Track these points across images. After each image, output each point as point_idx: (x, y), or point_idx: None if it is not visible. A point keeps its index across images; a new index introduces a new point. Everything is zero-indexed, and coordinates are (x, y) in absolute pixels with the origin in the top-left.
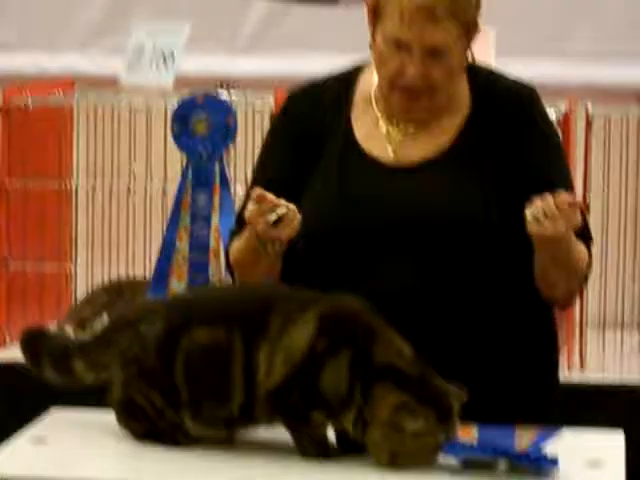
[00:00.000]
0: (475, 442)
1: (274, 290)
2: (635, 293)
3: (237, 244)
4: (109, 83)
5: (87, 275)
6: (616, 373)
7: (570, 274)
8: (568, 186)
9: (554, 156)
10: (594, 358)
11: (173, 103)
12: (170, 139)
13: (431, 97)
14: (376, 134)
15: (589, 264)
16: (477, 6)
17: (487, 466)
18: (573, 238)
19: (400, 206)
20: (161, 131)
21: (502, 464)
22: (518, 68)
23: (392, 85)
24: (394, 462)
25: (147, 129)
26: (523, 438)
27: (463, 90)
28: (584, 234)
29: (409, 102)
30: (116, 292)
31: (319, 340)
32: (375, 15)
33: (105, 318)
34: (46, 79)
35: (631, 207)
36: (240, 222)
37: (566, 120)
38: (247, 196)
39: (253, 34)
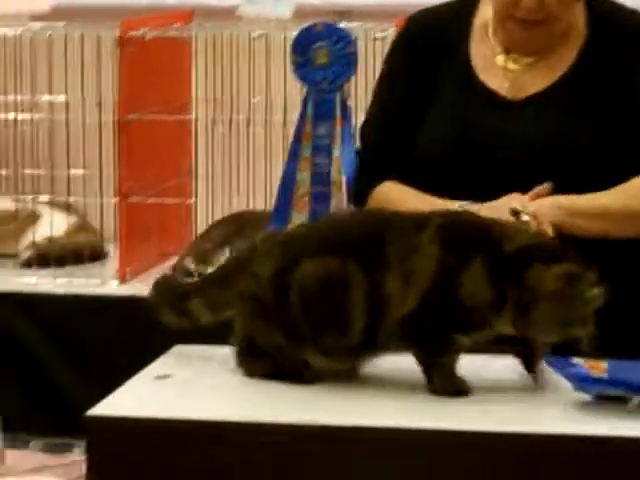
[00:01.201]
0: (606, 377)
1: (384, 216)
2: None
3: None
4: (228, 14)
5: (207, 208)
6: None
7: None
8: None
9: None
10: None
11: (292, 33)
12: (290, 70)
13: (548, 27)
14: (493, 65)
15: None
16: None
17: (619, 401)
18: None
19: (512, 139)
20: (281, 62)
21: (635, 399)
22: None
23: (507, 15)
24: (566, 333)
25: (266, 60)
26: None
27: (581, 20)
28: None
29: (525, 32)
30: (237, 225)
31: (446, 256)
32: None
33: (227, 251)
34: (164, 10)
35: None
36: (368, 151)
37: None
38: (368, 121)
39: None
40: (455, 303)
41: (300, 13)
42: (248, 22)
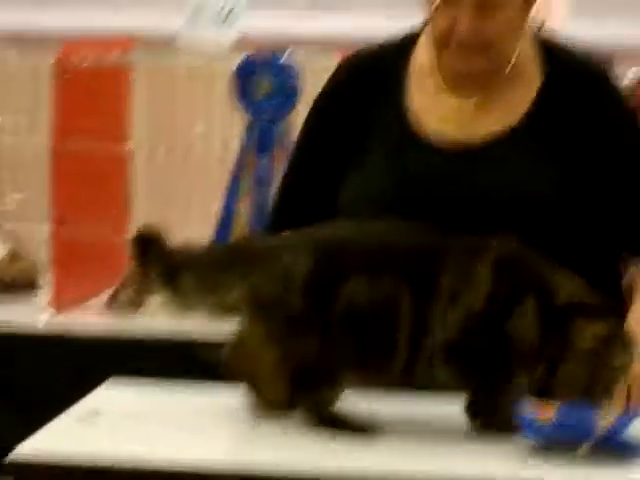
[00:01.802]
0: (554, 422)
1: (439, 237)
2: None
3: None
4: (168, 43)
5: None
6: None
7: None
8: None
9: (635, 138)
10: None
11: (234, 63)
12: (231, 100)
13: (485, 56)
14: (436, 107)
15: None
16: None
17: (567, 448)
18: None
19: (461, 189)
20: (222, 92)
21: (583, 446)
22: (590, 28)
23: (443, 43)
24: (588, 394)
25: (207, 89)
26: (605, 419)
27: (531, 59)
28: None
29: (464, 61)
30: None
31: (500, 289)
32: None
33: None
34: (103, 38)
35: None
36: (278, 217)
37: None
38: (288, 176)
39: None
40: (503, 335)
41: (242, 43)
42: (189, 51)
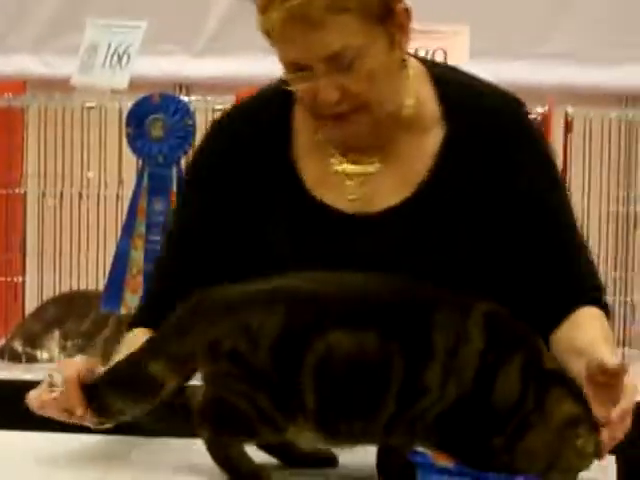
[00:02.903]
0: (453, 466)
1: (427, 289)
2: (616, 307)
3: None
4: (62, 84)
5: (38, 287)
6: None
7: None
8: (567, 215)
9: (550, 182)
10: None
11: (128, 104)
12: (125, 142)
13: (364, 115)
14: (329, 176)
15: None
16: None
17: None
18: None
19: (360, 267)
20: (115, 134)
21: None
22: (493, 69)
23: (318, 116)
24: (547, 471)
25: (100, 131)
26: None
27: (432, 106)
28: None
29: (340, 129)
30: (67, 305)
31: (490, 350)
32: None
33: (56, 333)
34: None
35: (612, 216)
36: (155, 295)
37: (545, 122)
38: (167, 256)
39: (212, 35)
40: (489, 403)
41: (137, 84)
42: (82, 92)
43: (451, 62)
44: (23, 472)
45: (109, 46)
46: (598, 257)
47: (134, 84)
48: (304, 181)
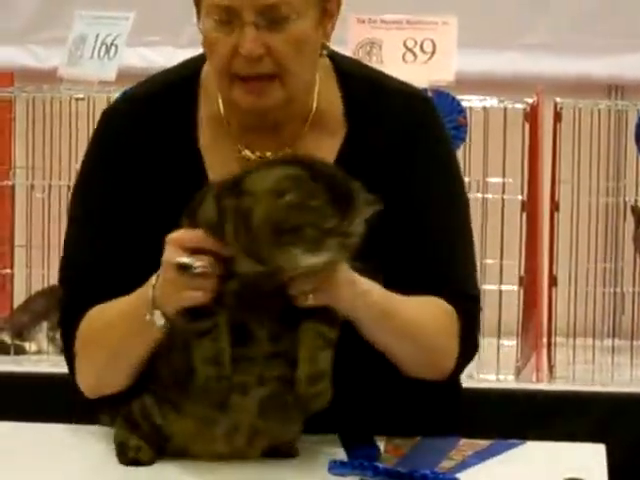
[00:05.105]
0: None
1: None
2: (606, 298)
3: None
4: (49, 76)
5: (26, 279)
6: (586, 383)
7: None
8: (457, 217)
9: (446, 184)
10: (563, 367)
11: (116, 95)
12: None
13: (279, 81)
14: (234, 165)
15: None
16: None
17: None
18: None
19: None
20: None
21: None
22: (481, 60)
23: (228, 74)
24: (277, 237)
25: (89, 123)
26: (455, 457)
27: (338, 106)
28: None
29: (251, 95)
30: (55, 297)
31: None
32: None
33: (44, 325)
34: None
35: (602, 207)
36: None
37: (534, 112)
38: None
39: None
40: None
41: (125, 75)
42: (70, 84)
43: (440, 53)
44: (22, 463)
45: (97, 37)
46: (588, 247)
47: (122, 75)
48: (207, 169)
